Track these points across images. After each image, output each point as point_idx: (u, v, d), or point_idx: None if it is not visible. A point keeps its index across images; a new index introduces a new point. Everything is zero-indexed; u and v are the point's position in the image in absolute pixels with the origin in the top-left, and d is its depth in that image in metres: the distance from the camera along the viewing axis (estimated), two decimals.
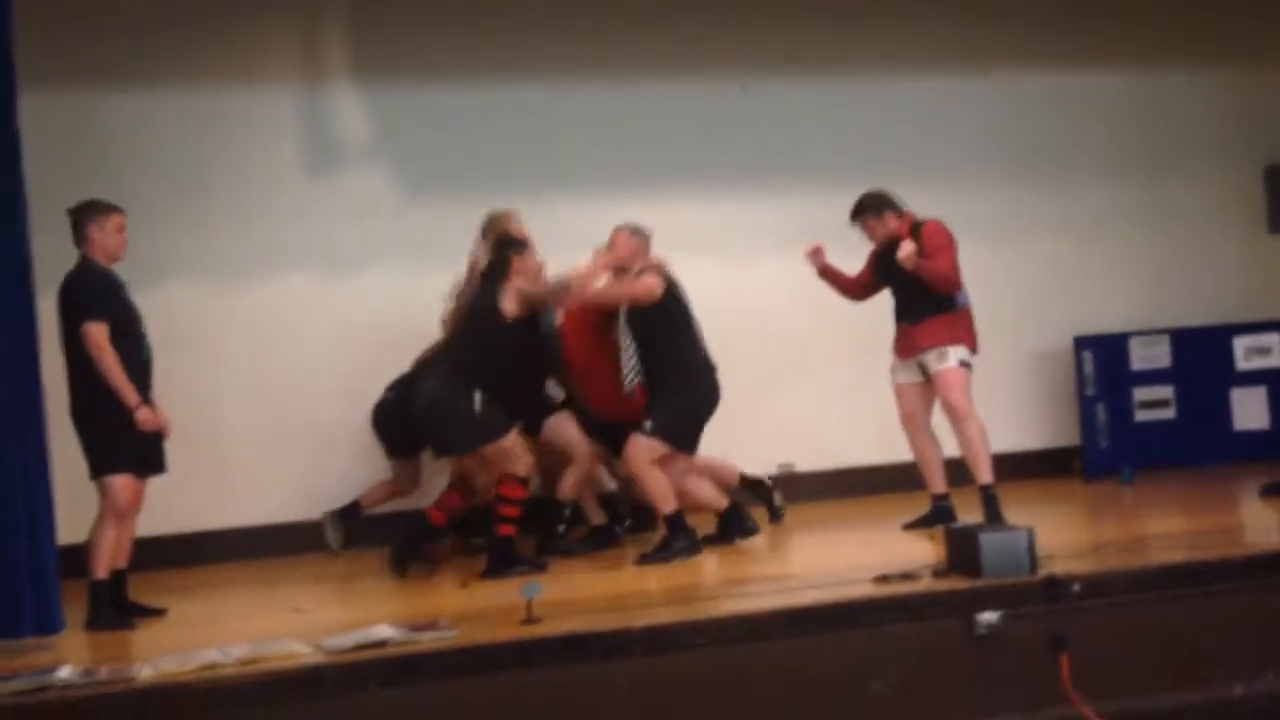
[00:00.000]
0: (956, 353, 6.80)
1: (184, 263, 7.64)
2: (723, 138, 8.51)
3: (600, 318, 6.92)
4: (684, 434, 6.68)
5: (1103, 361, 8.88)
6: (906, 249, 6.73)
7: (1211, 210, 9.33)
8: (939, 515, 6.81)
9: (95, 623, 5.72)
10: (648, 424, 6.58)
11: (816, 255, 7.14)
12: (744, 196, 8.48)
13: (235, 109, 7.90)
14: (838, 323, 8.28)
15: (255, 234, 7.82)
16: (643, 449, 6.55)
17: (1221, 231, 9.33)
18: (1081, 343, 8.87)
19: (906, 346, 6.96)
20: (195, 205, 7.69)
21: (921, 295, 6.83)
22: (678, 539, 6.56)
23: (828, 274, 7.17)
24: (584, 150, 8.31)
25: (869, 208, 6.97)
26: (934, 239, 6.82)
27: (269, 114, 8.02)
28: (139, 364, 5.88)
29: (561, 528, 7.06)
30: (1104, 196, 9.18)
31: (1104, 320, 9.00)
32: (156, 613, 6.02)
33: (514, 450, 6.46)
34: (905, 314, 6.98)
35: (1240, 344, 9.03)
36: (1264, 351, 9.03)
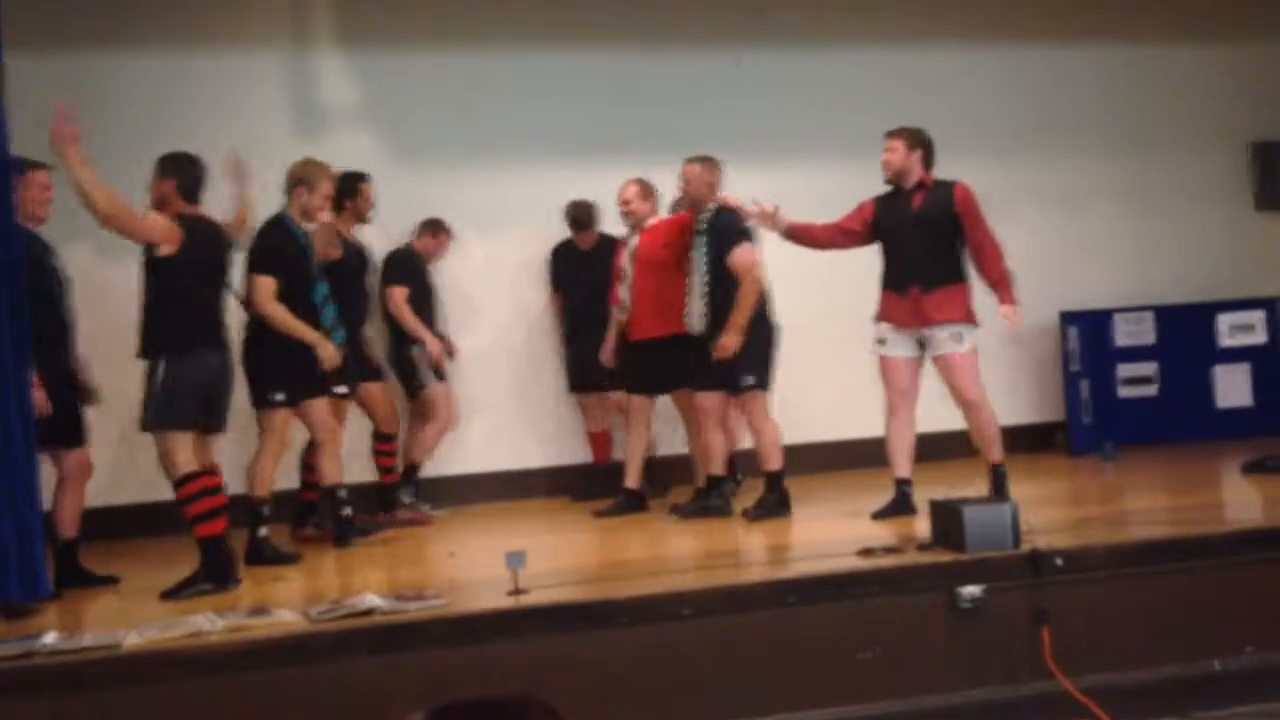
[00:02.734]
0: (971, 334, 6.43)
1: None
2: (714, 107, 8.49)
3: (682, 245, 7.04)
4: (770, 376, 6.94)
5: (1087, 337, 8.91)
6: (1014, 318, 6.34)
7: (1198, 186, 9.35)
8: (904, 502, 6.54)
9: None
10: (749, 379, 6.76)
11: (771, 219, 6.65)
12: (735, 167, 8.43)
13: (221, 73, 7.87)
14: (823, 294, 8.33)
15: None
16: (754, 403, 6.85)
17: (1208, 208, 9.36)
18: (1067, 318, 8.91)
19: (911, 314, 6.44)
20: None
21: (937, 259, 6.41)
22: (714, 497, 6.89)
23: (793, 234, 6.76)
24: (571, 118, 8.30)
25: (912, 136, 6.51)
26: (972, 206, 6.42)
27: (255, 78, 7.99)
28: (58, 327, 5.78)
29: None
30: (1091, 172, 9.20)
31: (1089, 296, 9.03)
32: (109, 581, 5.97)
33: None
34: (914, 278, 6.43)
35: (1224, 321, 9.07)
36: (1247, 329, 9.08)
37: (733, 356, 6.73)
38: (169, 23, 7.74)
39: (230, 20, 7.92)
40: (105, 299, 6.76)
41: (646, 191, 7.38)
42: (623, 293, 7.39)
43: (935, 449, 7.37)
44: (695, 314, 6.89)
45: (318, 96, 8.13)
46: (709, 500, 6.96)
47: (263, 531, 6.26)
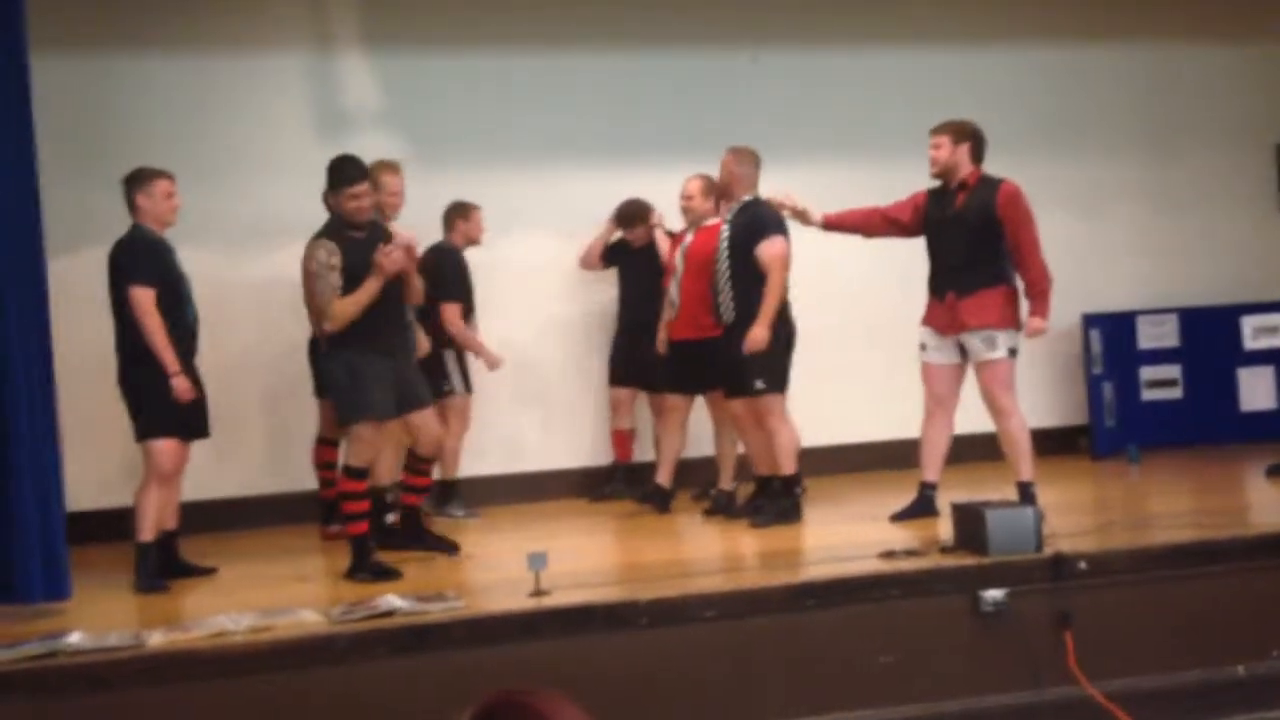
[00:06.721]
0: (1007, 339, 6.30)
1: (191, 229, 7.58)
2: (731, 107, 8.46)
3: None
4: (784, 378, 6.80)
5: (1110, 340, 8.86)
6: (1039, 326, 6.33)
7: (1223, 187, 9.27)
8: (926, 505, 6.53)
9: (139, 585, 5.83)
10: (759, 383, 6.62)
11: (803, 216, 6.56)
12: None
13: (244, 75, 7.88)
14: (842, 297, 8.30)
15: (263, 200, 7.78)
16: (767, 406, 6.67)
17: (1233, 209, 9.28)
18: (1089, 321, 8.86)
19: (949, 321, 6.37)
20: (203, 171, 7.63)
21: (975, 262, 6.31)
22: (785, 501, 6.70)
23: (831, 225, 6.68)
24: (591, 118, 8.28)
25: (957, 130, 6.42)
26: (1017, 208, 6.30)
27: (278, 80, 8.00)
28: (185, 329, 6.00)
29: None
30: (1114, 172, 9.13)
31: (1112, 298, 8.98)
32: (207, 571, 6.14)
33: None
34: (952, 282, 6.36)
35: (1248, 323, 9.01)
36: (1272, 331, 9.01)
37: (747, 359, 6.65)
38: (192, 25, 7.75)
39: (253, 22, 7.93)
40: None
41: (709, 189, 7.28)
42: (673, 290, 7.33)
43: (959, 451, 7.31)
44: (725, 306, 6.84)
45: (340, 98, 8.14)
46: (781, 502, 6.75)
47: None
